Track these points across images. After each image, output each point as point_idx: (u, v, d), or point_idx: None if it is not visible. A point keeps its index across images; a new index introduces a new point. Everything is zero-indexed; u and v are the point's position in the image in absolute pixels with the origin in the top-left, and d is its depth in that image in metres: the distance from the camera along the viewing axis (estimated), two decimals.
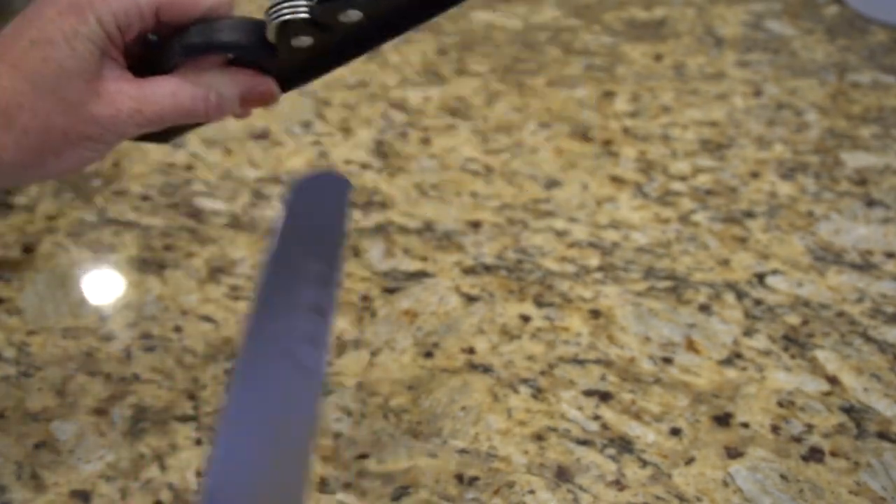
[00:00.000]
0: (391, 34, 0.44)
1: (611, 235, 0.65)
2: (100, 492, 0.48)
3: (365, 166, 0.72)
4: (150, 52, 0.44)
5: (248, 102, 0.45)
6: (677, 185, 0.70)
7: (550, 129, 0.77)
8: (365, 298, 0.60)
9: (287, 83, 0.46)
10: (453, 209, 0.68)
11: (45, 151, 0.41)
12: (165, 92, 0.42)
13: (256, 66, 0.44)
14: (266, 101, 0.45)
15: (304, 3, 0.42)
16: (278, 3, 0.42)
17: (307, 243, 0.39)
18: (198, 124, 0.47)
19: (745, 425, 0.52)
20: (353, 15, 0.42)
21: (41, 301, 0.59)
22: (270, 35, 0.42)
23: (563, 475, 0.49)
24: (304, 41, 0.43)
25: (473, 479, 0.49)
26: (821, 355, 0.56)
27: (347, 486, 0.49)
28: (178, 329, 0.58)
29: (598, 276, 0.62)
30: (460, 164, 0.73)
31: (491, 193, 0.69)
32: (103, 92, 0.41)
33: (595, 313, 0.59)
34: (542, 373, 0.55)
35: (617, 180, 0.71)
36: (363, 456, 0.50)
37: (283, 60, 0.44)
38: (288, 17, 0.42)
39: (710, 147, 0.75)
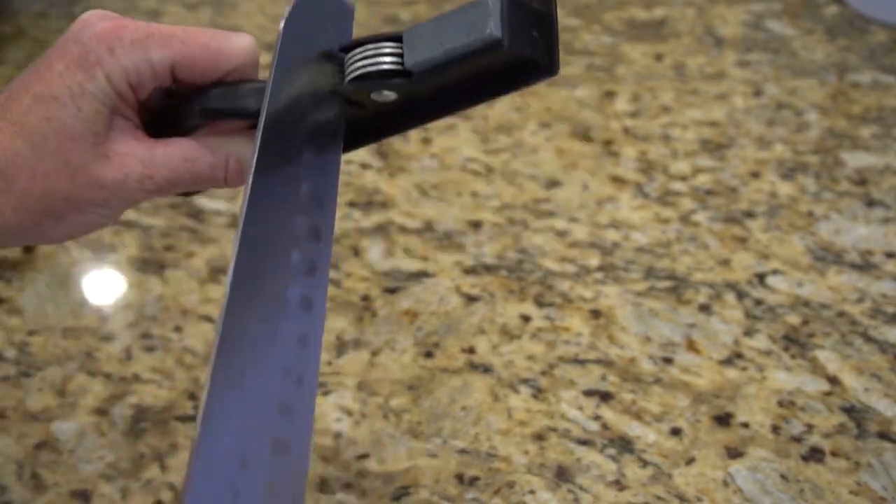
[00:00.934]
0: (430, 117, 0.40)
1: (611, 235, 0.65)
2: (100, 492, 0.48)
3: (365, 166, 0.72)
4: (169, 107, 0.40)
5: None
6: (677, 185, 0.70)
7: (550, 129, 0.77)
8: (365, 298, 0.60)
9: None
10: (454, 209, 0.68)
11: (45, 216, 0.38)
12: (179, 156, 0.39)
13: None
14: None
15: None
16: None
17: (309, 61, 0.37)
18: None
19: (746, 425, 0.52)
20: (388, 95, 0.37)
21: (41, 301, 0.59)
22: None
23: (563, 475, 0.49)
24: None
25: (473, 479, 0.49)
26: (821, 355, 0.56)
27: (347, 486, 0.49)
28: (178, 329, 0.58)
29: (599, 276, 0.62)
30: (460, 164, 0.73)
31: (491, 193, 0.69)
32: (111, 154, 0.38)
33: (595, 313, 0.59)
34: (543, 373, 0.55)
35: (617, 180, 0.71)
36: (363, 456, 0.50)
37: None
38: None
39: (710, 147, 0.75)
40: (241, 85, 0.38)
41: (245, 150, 0.39)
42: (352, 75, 0.37)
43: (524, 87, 0.38)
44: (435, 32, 0.35)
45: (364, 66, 0.36)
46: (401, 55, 0.36)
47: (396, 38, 0.36)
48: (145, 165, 0.38)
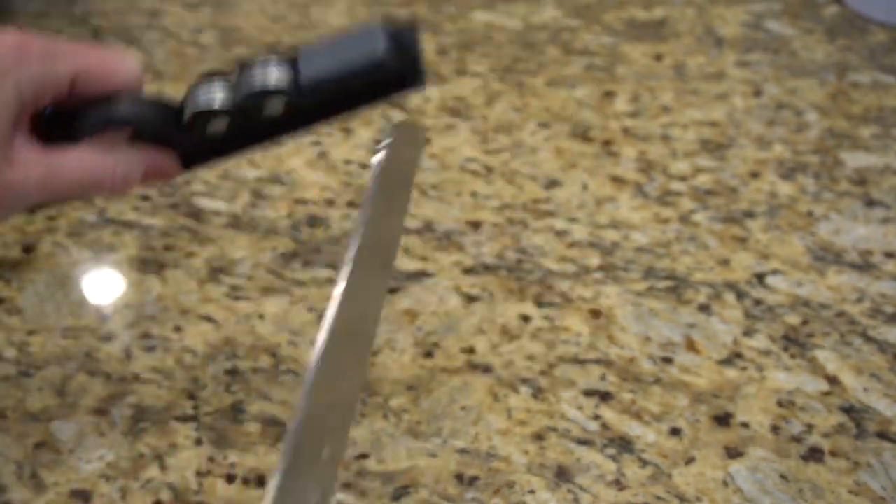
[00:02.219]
0: (311, 123, 0.45)
1: (611, 235, 0.65)
2: (100, 492, 0.48)
3: (365, 166, 0.72)
4: (61, 117, 0.43)
5: (148, 177, 0.44)
6: (677, 185, 0.70)
7: (550, 129, 0.77)
8: None
9: (193, 160, 0.46)
10: (453, 209, 0.68)
11: None
12: (74, 163, 0.42)
13: (163, 141, 0.44)
14: (167, 177, 0.45)
15: (222, 93, 0.43)
16: (196, 89, 0.43)
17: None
18: None
19: (745, 425, 0.52)
20: (276, 107, 0.43)
21: (41, 301, 0.59)
22: (186, 118, 0.43)
23: (563, 475, 0.49)
24: (219, 126, 0.43)
25: (473, 479, 0.49)
26: (821, 355, 0.56)
27: (347, 486, 0.49)
28: (178, 329, 0.58)
29: (598, 275, 0.62)
30: (460, 164, 0.73)
31: (491, 193, 0.69)
32: (13, 158, 0.40)
33: (595, 313, 0.59)
34: (542, 373, 0.55)
35: (617, 180, 0.71)
36: (363, 456, 0.50)
37: (193, 141, 0.44)
38: (203, 108, 0.42)
39: (710, 147, 0.75)
40: (128, 98, 0.43)
41: (130, 159, 0.43)
42: (247, 90, 0.43)
43: (393, 97, 0.46)
44: (328, 53, 0.43)
45: (264, 81, 0.43)
46: (293, 73, 0.43)
47: (292, 59, 0.43)
48: (45, 170, 0.41)
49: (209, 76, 0.44)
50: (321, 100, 0.44)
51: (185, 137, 0.44)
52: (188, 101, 0.43)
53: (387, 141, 0.46)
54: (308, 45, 0.44)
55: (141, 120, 0.43)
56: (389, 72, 0.43)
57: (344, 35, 0.44)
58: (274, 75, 0.42)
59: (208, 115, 0.43)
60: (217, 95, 0.43)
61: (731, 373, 0.55)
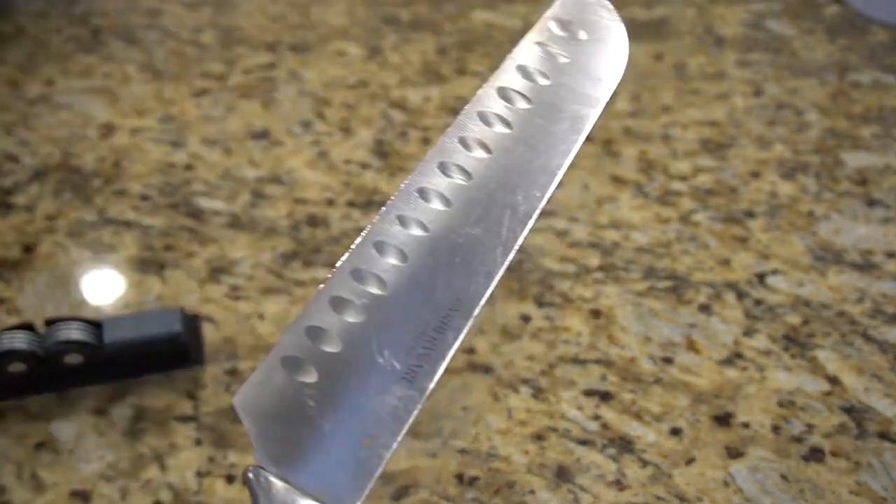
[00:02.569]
0: (104, 379, 0.53)
1: (611, 235, 0.65)
2: (100, 492, 0.48)
3: (365, 166, 0.72)
4: None
5: None
6: (677, 185, 0.70)
7: None
8: None
9: None
10: None
11: None
12: None
13: None
14: None
15: (26, 341, 0.49)
16: (1, 334, 0.49)
17: None
18: None
19: (746, 425, 0.52)
20: (76, 359, 0.51)
21: (41, 301, 0.59)
22: None
23: (563, 475, 0.49)
24: (19, 368, 0.50)
25: (473, 479, 0.49)
26: (821, 355, 0.56)
27: None
28: None
29: (599, 275, 0.62)
30: None
31: None
32: None
33: (595, 313, 0.59)
34: (543, 373, 0.55)
35: (617, 180, 0.71)
36: None
37: None
38: (5, 349, 0.49)
39: (711, 147, 0.75)
40: None
41: None
42: (56, 339, 0.50)
43: (176, 370, 0.55)
44: (130, 322, 0.53)
45: (68, 335, 0.51)
46: (97, 333, 0.51)
47: (96, 323, 0.52)
48: None
49: (16, 327, 0.49)
50: (118, 359, 0.51)
51: None
52: None
53: None
54: (112, 316, 0.54)
55: None
56: (181, 345, 0.52)
57: (145, 312, 0.55)
58: (78, 332, 0.50)
59: (10, 355, 0.49)
60: (20, 341, 0.49)
61: (732, 373, 0.55)
